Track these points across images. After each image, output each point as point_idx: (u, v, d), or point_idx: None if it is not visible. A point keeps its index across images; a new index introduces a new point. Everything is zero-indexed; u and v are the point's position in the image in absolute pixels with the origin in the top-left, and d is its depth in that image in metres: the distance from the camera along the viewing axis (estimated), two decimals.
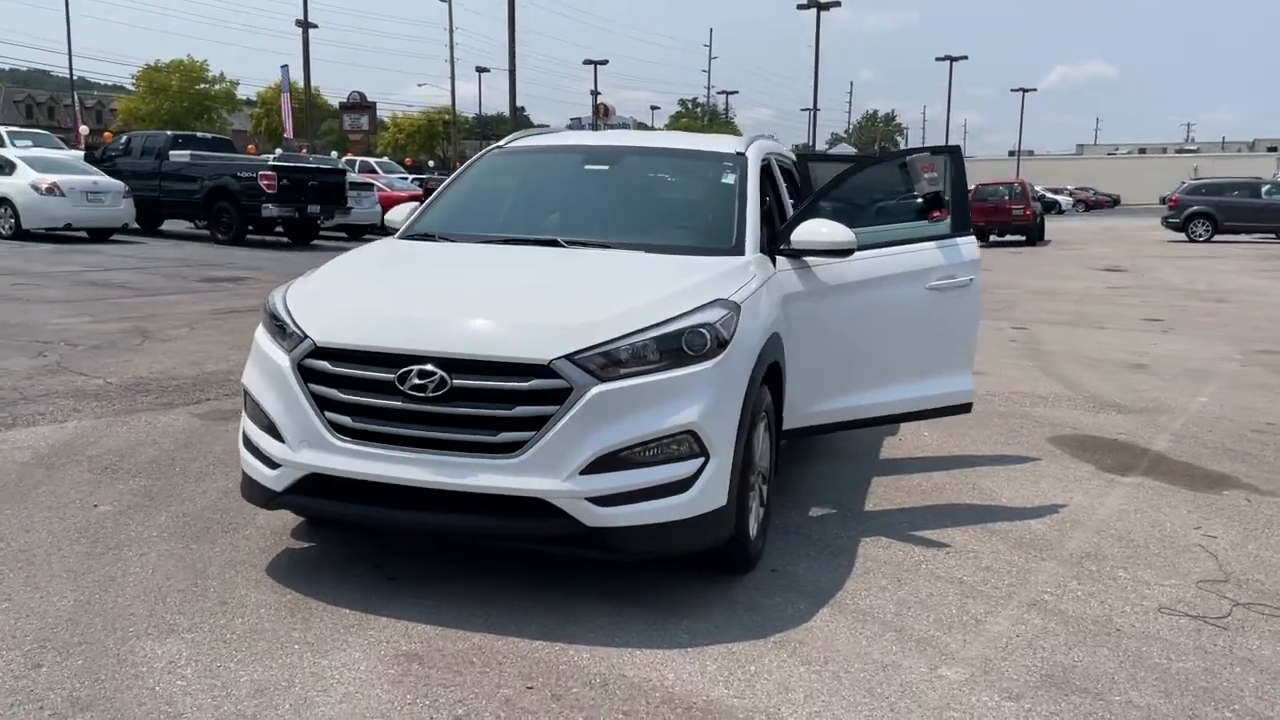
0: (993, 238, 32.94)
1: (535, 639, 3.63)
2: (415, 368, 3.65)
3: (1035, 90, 79.47)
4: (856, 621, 3.88)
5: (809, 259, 4.86)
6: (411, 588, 4.04)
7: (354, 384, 3.76)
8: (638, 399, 3.64)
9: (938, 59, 67.76)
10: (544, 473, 3.58)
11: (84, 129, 52.79)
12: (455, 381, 3.63)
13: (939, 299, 5.23)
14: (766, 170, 5.51)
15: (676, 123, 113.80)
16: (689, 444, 3.70)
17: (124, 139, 22.69)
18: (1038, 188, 44.51)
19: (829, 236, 4.70)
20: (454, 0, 52.78)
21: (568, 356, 3.60)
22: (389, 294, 4.19)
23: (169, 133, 22.56)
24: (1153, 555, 4.71)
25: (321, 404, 3.80)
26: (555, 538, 3.68)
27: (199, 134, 24.11)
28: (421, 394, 3.64)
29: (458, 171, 5.64)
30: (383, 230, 5.50)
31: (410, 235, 5.04)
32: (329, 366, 3.79)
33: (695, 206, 5.13)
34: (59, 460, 5.58)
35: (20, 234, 18.95)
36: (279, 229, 21.20)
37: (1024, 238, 32.51)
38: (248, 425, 4.08)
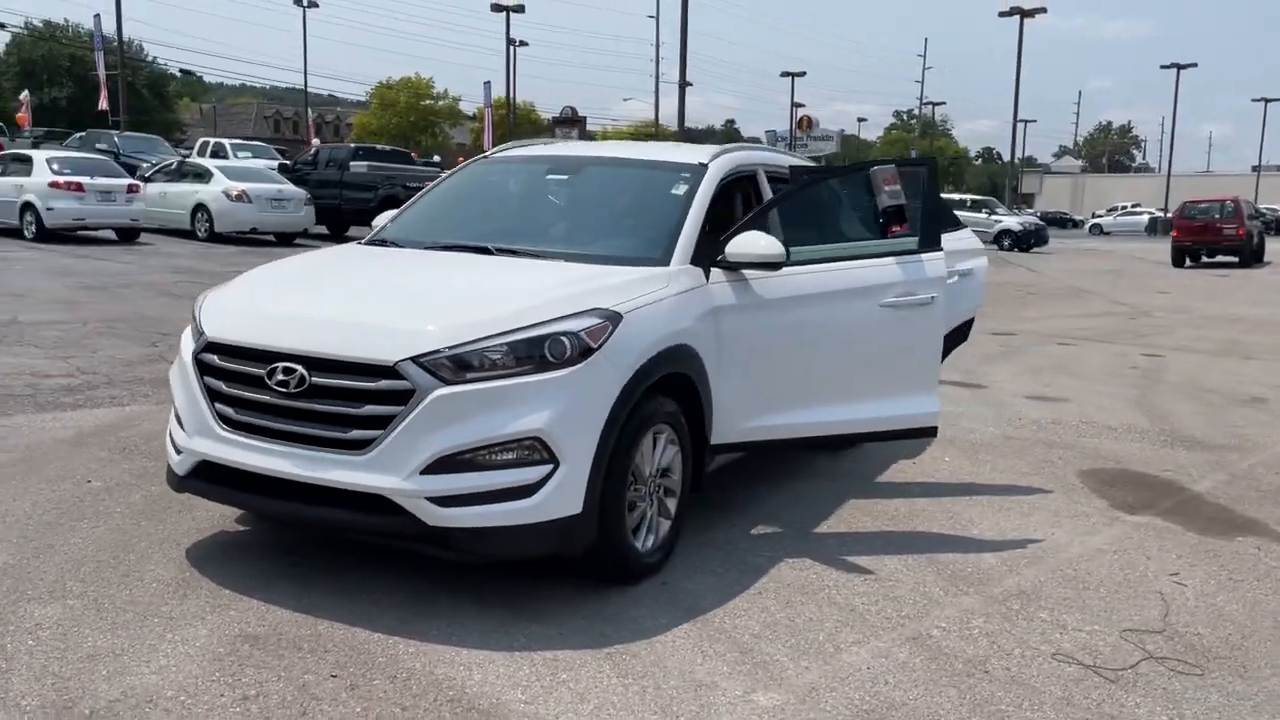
0: (1203, 258, 30.78)
1: (377, 631, 3.75)
2: (281, 364, 3.85)
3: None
4: (708, 640, 3.81)
5: (747, 272, 4.78)
6: (305, 576, 4.23)
7: (234, 378, 4.00)
8: (483, 403, 3.71)
9: (1163, 67, 63.47)
10: (387, 470, 3.71)
11: (315, 142, 56.88)
12: (314, 379, 3.81)
13: (895, 317, 5.02)
14: (744, 181, 5.45)
15: (888, 134, 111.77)
16: (536, 450, 3.74)
17: (313, 151, 24.37)
18: (1263, 206, 41.09)
19: (760, 250, 4.62)
20: (660, 16, 53.73)
21: (413, 359, 3.72)
22: (285, 294, 4.42)
23: (351, 145, 24.07)
24: (1096, 599, 4.38)
25: (212, 396, 4.06)
26: (401, 534, 3.80)
27: (378, 147, 25.59)
28: (285, 389, 3.84)
29: (439, 179, 5.85)
30: None
31: (371, 240, 5.28)
32: (217, 360, 4.05)
33: (637, 216, 5.14)
34: (90, 439, 6.13)
35: (214, 237, 20.70)
36: None
37: (1236, 259, 30.16)
38: (172, 414, 4.39)
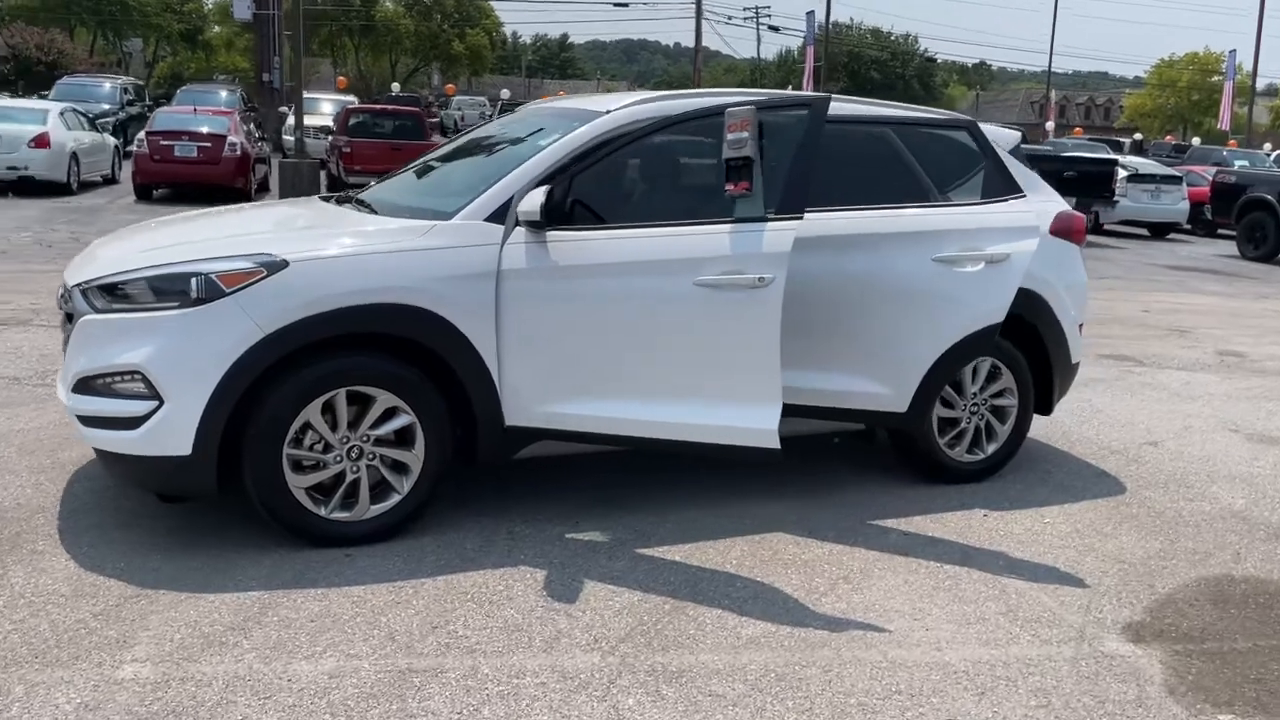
0: None
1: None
2: (61, 291, 4.44)
3: None
4: (252, 610, 3.57)
5: (551, 234, 4.15)
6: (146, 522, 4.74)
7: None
8: (111, 331, 3.91)
9: None
10: (61, 384, 4.12)
11: (1050, 124, 55.06)
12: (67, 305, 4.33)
13: (715, 300, 3.93)
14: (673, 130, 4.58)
15: None
16: (140, 383, 3.84)
17: None
18: None
19: (527, 206, 4.01)
20: None
21: (78, 285, 4.05)
22: (141, 235, 4.87)
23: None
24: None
25: None
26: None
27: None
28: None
29: None
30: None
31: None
32: None
33: (496, 168, 4.63)
34: None
35: None
36: None
37: None
38: None
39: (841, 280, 4.59)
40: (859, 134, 4.91)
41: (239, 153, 17.85)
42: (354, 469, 4.08)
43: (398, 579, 3.87)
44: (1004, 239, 4.65)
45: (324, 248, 4.03)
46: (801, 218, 3.93)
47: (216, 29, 65.98)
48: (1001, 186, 4.78)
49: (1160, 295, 12.90)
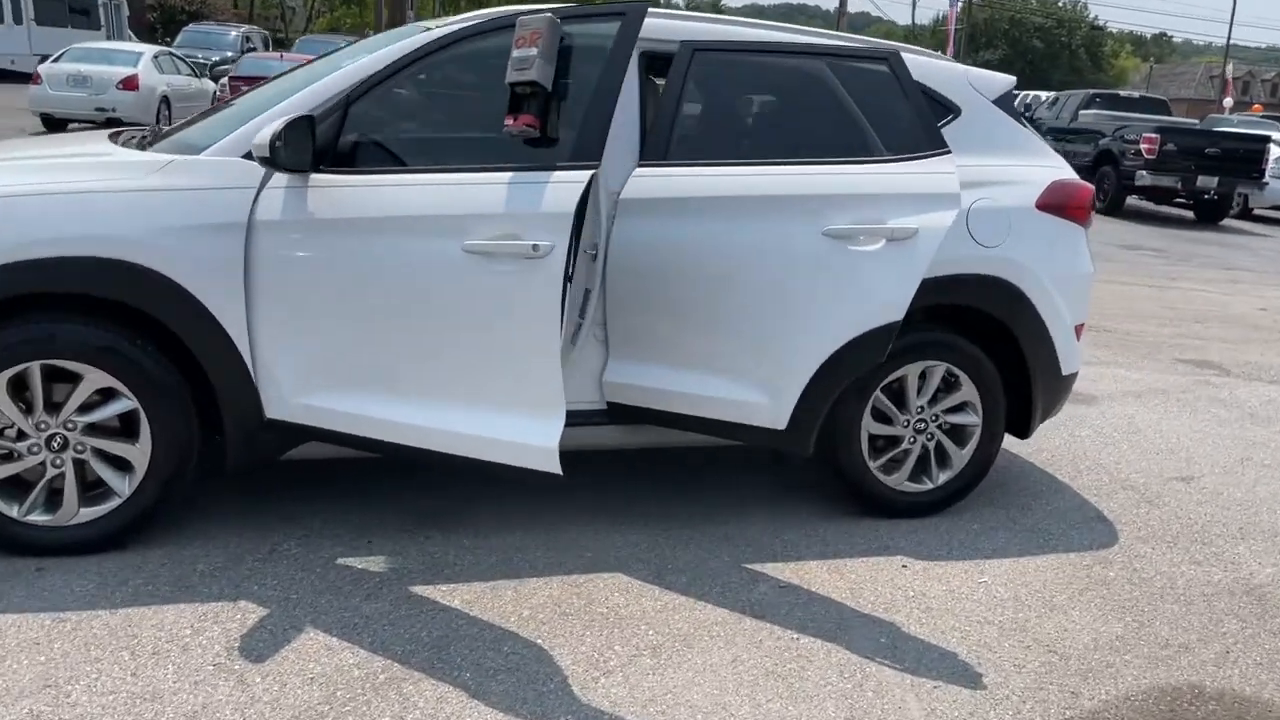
0: None
1: None
2: None
3: None
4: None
5: (317, 178, 3.25)
6: None
7: None
8: None
9: None
10: None
11: (1228, 101, 50.90)
12: None
13: (487, 272, 2.95)
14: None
15: None
16: None
17: (1053, 95, 21.92)
18: None
19: (262, 139, 3.11)
20: None
21: None
22: None
23: (1091, 91, 20.94)
24: None
25: None
26: None
27: (1125, 94, 21.71)
28: None
29: None
30: None
31: None
32: None
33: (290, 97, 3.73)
34: None
35: None
36: (1181, 201, 18.30)
37: None
38: None
39: (697, 252, 3.53)
40: (732, 66, 3.80)
41: None
42: (57, 462, 3.29)
43: (70, 607, 3.06)
44: (912, 208, 3.47)
45: (17, 184, 3.22)
46: (597, 167, 2.92)
47: None
48: (921, 139, 3.55)
49: None
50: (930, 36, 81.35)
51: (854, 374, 3.55)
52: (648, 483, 4.27)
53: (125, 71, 17.58)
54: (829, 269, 3.44)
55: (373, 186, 3.20)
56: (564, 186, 2.91)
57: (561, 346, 3.08)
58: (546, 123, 2.96)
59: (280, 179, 3.28)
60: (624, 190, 3.61)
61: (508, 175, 3.00)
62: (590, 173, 2.90)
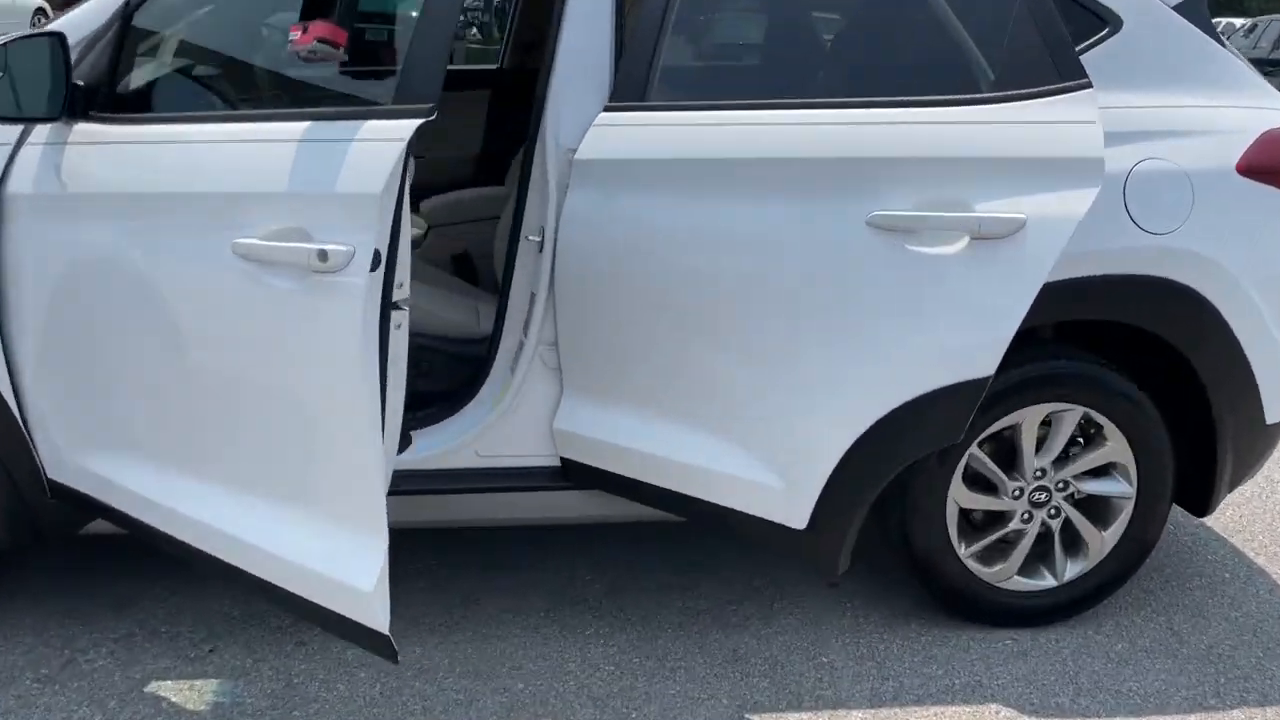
0: None
1: None
2: None
3: None
4: None
5: (78, 129, 2.14)
6: None
7: None
8: None
9: None
10: None
11: None
12: None
13: (256, 289, 1.78)
14: None
15: None
16: None
17: (1250, 22, 19.40)
18: None
19: None
20: None
21: None
22: None
23: None
24: None
25: None
26: None
27: None
28: None
29: None
30: None
31: None
32: None
33: None
34: None
35: None
36: None
37: None
38: None
39: (688, 241, 2.27)
40: None
41: None
42: None
43: None
44: (1020, 183, 2.05)
45: None
46: (433, 115, 1.69)
47: None
48: (1044, 66, 2.03)
49: None
50: None
51: (910, 457, 2.24)
52: (625, 544, 3.07)
53: None
54: (873, 283, 2.12)
55: (135, 143, 2.05)
56: (371, 148, 1.69)
57: (393, 428, 1.89)
58: (361, 37, 1.74)
59: (42, 131, 2.18)
60: (582, 147, 2.37)
61: (298, 128, 1.79)
62: (416, 123, 1.67)
